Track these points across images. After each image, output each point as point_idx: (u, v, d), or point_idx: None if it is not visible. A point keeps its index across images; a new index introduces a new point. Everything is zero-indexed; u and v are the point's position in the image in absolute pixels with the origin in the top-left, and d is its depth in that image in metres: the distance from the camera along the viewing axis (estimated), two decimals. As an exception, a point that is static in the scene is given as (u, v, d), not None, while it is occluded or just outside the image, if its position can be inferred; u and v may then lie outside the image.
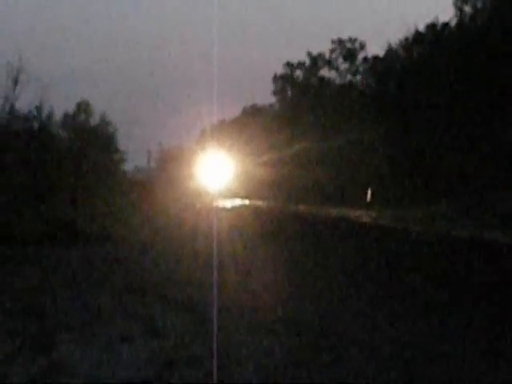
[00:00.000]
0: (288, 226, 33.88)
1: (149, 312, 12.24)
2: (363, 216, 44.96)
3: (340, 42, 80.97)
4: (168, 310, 12.43)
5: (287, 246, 22.84)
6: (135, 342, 10.21)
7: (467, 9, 54.12)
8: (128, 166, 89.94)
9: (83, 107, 79.01)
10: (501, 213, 34.53)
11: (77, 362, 9.13)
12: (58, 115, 68.55)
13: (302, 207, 58.36)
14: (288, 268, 17.72)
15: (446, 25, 56.87)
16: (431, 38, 56.79)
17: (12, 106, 51.77)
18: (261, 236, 26.40)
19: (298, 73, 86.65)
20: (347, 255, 21.32)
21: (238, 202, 65.96)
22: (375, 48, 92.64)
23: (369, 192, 64.95)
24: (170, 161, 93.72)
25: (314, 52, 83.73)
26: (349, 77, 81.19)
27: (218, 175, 72.68)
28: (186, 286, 14.33)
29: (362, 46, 79.86)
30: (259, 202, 67.72)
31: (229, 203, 59.89)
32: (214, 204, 53.21)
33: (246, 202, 68.04)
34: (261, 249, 21.60)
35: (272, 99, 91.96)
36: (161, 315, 11.97)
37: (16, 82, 52.09)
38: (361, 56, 79.96)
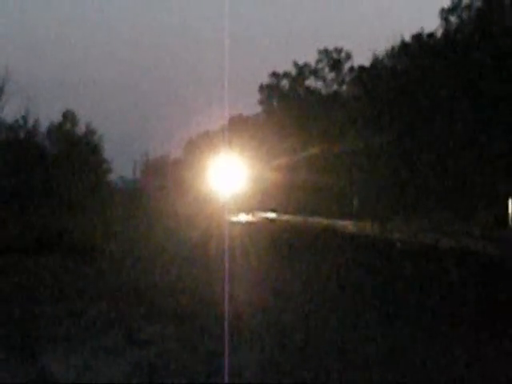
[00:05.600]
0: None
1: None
2: (348, 226, 45.01)
3: (326, 52, 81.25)
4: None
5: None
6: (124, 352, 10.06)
7: (453, 19, 54.43)
8: (113, 176, 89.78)
9: (69, 117, 78.92)
10: (492, 223, 34.94)
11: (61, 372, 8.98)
12: (43, 125, 68.50)
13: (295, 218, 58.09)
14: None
15: (431, 35, 57.12)
16: (417, 48, 57.00)
17: (-3, 116, 51.64)
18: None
19: (284, 82, 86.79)
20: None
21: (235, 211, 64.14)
22: (361, 58, 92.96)
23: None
24: (156, 171, 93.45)
25: (300, 62, 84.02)
26: (335, 87, 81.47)
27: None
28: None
29: (348, 56, 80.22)
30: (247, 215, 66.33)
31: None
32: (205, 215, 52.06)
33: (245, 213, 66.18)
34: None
35: (257, 109, 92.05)
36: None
37: (1, 91, 51.95)
38: (347, 66, 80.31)
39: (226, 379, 8.52)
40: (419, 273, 19.55)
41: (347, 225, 46.10)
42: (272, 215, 64.94)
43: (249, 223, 49.95)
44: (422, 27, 58.05)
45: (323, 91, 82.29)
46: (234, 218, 52.59)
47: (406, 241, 31.58)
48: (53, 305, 13.78)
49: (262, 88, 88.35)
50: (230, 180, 71.26)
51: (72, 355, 9.78)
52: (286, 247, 26.46)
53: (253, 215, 63.49)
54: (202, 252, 24.15)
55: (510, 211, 38.04)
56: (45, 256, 21.75)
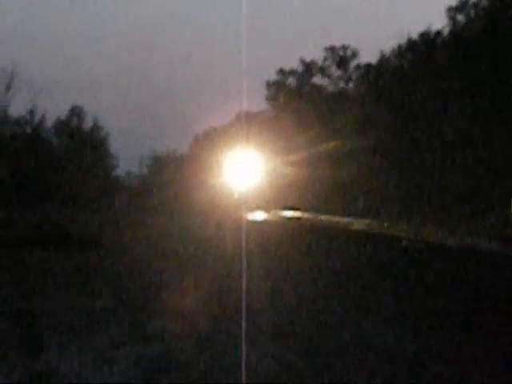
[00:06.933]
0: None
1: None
2: (354, 224, 45.17)
3: (332, 49, 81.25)
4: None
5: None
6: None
7: (460, 17, 54.35)
8: (120, 171, 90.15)
9: (76, 112, 79.19)
10: (495, 222, 35.11)
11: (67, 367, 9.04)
12: (50, 120, 68.76)
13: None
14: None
15: (438, 33, 57.05)
16: (424, 46, 56.96)
17: (4, 111, 51.84)
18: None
19: (291, 80, 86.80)
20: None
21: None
22: (368, 56, 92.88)
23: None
24: (164, 167, 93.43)
25: (307, 59, 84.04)
26: (341, 84, 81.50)
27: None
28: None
29: (355, 54, 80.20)
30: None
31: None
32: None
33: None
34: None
35: (264, 106, 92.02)
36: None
37: (9, 87, 52.17)
38: (353, 63, 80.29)
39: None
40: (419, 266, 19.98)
41: (353, 223, 46.20)
42: (290, 213, 63.21)
43: (266, 222, 48.67)
44: (429, 25, 58.04)
45: (330, 88, 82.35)
46: (250, 217, 51.28)
47: (412, 239, 31.66)
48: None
49: (269, 85, 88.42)
50: (238, 176, 71.30)
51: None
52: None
53: (268, 213, 62.79)
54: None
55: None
56: (48, 252, 21.77)
